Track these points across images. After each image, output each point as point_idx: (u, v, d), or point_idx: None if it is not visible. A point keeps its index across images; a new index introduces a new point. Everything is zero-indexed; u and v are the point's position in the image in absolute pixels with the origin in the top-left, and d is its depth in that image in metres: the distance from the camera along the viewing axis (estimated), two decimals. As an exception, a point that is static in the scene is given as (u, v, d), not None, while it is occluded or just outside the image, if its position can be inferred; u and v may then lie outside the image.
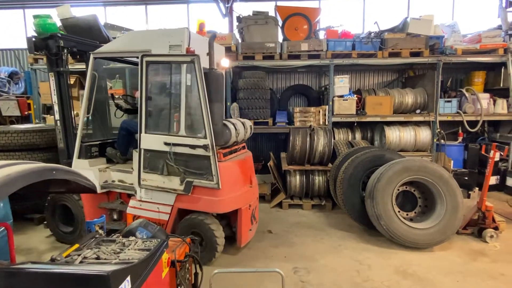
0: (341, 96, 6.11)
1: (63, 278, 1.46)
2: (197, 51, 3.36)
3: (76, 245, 2.03)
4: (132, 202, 3.77)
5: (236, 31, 6.75)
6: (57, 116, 4.31)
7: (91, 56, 3.79)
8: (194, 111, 3.57)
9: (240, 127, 4.01)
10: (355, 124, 6.56)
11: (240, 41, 6.48)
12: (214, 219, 3.59)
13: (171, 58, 3.45)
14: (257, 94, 6.13)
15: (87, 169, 3.89)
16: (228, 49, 6.07)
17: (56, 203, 4.19)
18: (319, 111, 6.17)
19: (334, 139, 5.89)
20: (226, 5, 7.43)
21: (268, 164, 5.83)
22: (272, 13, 6.56)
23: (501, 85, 6.28)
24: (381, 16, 7.74)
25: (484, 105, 6.20)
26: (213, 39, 3.46)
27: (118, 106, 4.58)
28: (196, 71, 3.28)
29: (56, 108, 4.30)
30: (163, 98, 3.79)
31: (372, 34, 6.19)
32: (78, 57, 4.47)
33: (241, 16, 6.31)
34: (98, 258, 1.83)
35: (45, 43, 4.02)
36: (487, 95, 6.33)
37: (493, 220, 4.18)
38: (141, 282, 1.77)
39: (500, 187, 6.17)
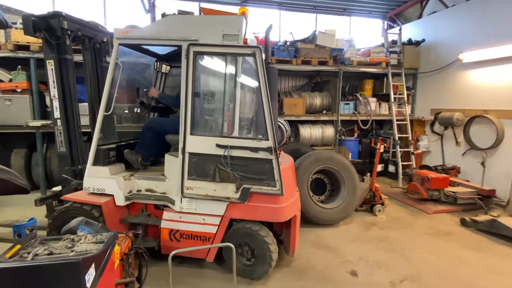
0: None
1: (33, 270, 1.48)
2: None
3: (18, 246, 1.96)
4: (167, 215, 3.26)
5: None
6: (57, 114, 3.61)
7: (116, 43, 3.24)
8: (250, 110, 3.23)
9: (287, 127, 3.84)
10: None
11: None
12: (268, 230, 3.21)
13: (227, 50, 2.99)
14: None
15: (107, 178, 3.32)
16: (153, 46, 6.01)
17: (65, 219, 3.25)
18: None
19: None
20: (150, 0, 7.24)
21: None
22: (197, 13, 6.72)
23: (384, 91, 7.85)
24: (295, 27, 8.72)
25: (373, 107, 7.69)
26: (269, 31, 3.14)
27: (142, 103, 4.04)
28: (258, 65, 2.91)
29: (56, 103, 3.58)
30: (212, 95, 3.37)
31: (288, 43, 6.98)
32: (76, 43, 3.75)
33: (166, 14, 6.28)
34: (51, 253, 1.84)
35: (45, 24, 3.33)
36: (374, 99, 7.84)
37: (380, 198, 5.35)
38: (101, 271, 1.87)
39: (384, 173, 7.75)
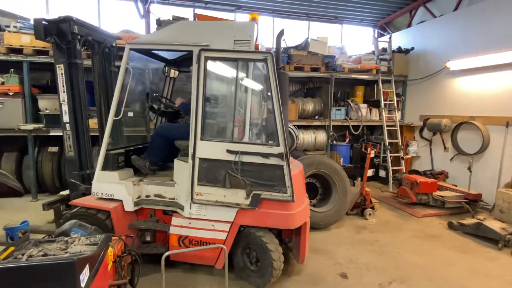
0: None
1: (27, 270, 1.51)
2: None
3: (12, 248, 1.98)
4: (176, 221, 3.21)
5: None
6: (66, 118, 3.63)
7: (127, 47, 3.24)
8: (261, 115, 3.23)
9: (297, 132, 3.83)
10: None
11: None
12: (273, 238, 3.14)
13: (239, 55, 2.97)
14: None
15: (116, 183, 3.30)
16: (147, 51, 6.07)
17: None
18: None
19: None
20: (145, 6, 7.30)
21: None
22: (191, 19, 6.80)
23: (375, 98, 8.03)
24: (288, 34, 8.86)
25: (364, 113, 7.84)
26: (281, 36, 3.13)
27: (152, 108, 4.01)
28: (269, 71, 2.89)
29: (65, 108, 3.59)
30: (223, 100, 3.34)
31: (281, 49, 7.09)
32: (87, 48, 3.78)
33: (161, 20, 6.36)
34: (45, 255, 1.87)
35: (56, 28, 3.36)
36: (365, 105, 8.00)
37: (371, 202, 5.45)
38: (95, 272, 1.90)
39: (375, 177, 7.88)
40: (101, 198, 3.34)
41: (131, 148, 3.85)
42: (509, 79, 5.63)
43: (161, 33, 3.31)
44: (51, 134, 5.72)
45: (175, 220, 3.21)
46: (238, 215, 3.07)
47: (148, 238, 3.42)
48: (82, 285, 1.63)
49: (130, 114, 5.74)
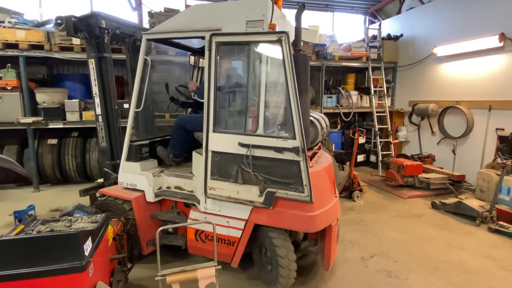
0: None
1: (38, 241, 1.75)
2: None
3: (22, 226, 2.21)
4: (193, 214, 3.14)
5: (147, 26, 6.85)
6: (98, 111, 3.72)
7: (144, 38, 3.20)
8: (277, 105, 2.94)
9: (323, 123, 3.51)
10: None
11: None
12: (286, 241, 2.83)
13: (250, 38, 2.69)
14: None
15: (138, 174, 3.35)
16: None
17: (104, 211, 3.32)
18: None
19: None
20: (137, -1, 7.39)
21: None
22: (183, 9, 6.91)
23: (366, 85, 8.21)
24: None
25: (355, 100, 8.03)
26: (301, 12, 2.81)
27: (172, 99, 3.97)
28: (284, 54, 2.56)
29: (97, 101, 3.71)
30: (235, 89, 3.14)
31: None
32: (118, 42, 3.86)
33: (152, 12, 6.47)
34: (52, 230, 2.10)
35: (85, 24, 3.45)
36: (356, 92, 8.19)
37: (358, 185, 5.71)
38: (97, 244, 2.14)
39: (366, 162, 8.13)
40: (126, 188, 3.42)
41: (158, 139, 3.84)
42: (491, 64, 5.82)
43: (174, 20, 3.09)
44: (50, 126, 5.91)
45: (192, 214, 3.14)
46: (252, 213, 2.85)
47: (170, 229, 3.39)
48: (86, 253, 1.87)
49: (126, 105, 5.91)
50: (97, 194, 3.93)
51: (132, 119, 3.32)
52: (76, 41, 5.78)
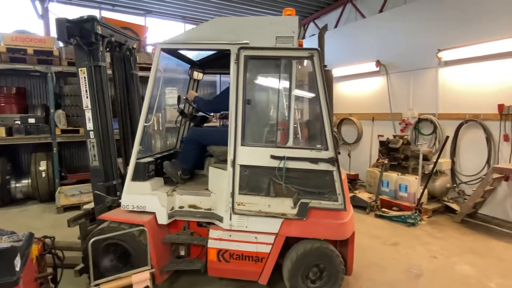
0: (171, 105, 7.15)
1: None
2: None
3: None
4: (215, 233, 2.92)
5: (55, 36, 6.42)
6: (89, 126, 3.25)
7: (158, 47, 2.95)
8: (306, 118, 3.01)
9: (338, 135, 3.51)
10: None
11: (62, 45, 6.26)
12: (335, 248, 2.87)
13: (282, 53, 2.74)
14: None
15: (148, 194, 2.98)
16: (49, 53, 5.82)
17: (100, 245, 2.88)
18: (153, 119, 6.95)
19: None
20: (43, 5, 6.81)
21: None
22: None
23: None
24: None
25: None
26: (324, 31, 2.95)
27: (182, 112, 3.71)
28: (316, 69, 2.66)
29: (88, 114, 3.24)
30: (265, 102, 3.10)
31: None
32: (108, 50, 3.44)
33: (63, 21, 6.12)
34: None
35: (79, 29, 3.02)
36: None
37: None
38: (24, 261, 2.11)
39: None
40: (131, 211, 3.05)
41: (159, 155, 3.61)
42: (371, 84, 7.32)
43: (195, 32, 3.01)
44: None
45: (213, 233, 2.94)
46: (283, 226, 2.81)
47: (182, 253, 3.15)
48: (17, 269, 1.87)
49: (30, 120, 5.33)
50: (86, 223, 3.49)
51: (140, 134, 3.02)
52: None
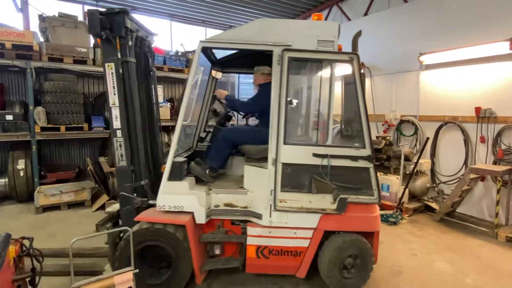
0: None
1: None
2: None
3: None
4: (254, 230, 2.99)
5: (36, 29, 6.21)
6: (117, 124, 3.07)
7: (199, 45, 2.89)
8: (344, 117, 3.14)
9: None
10: (171, 127, 7.67)
11: (43, 40, 6.07)
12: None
13: (324, 56, 2.89)
14: (68, 98, 5.97)
15: (186, 194, 2.95)
16: (28, 48, 5.62)
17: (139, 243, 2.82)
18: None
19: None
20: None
21: (88, 168, 5.89)
22: (81, 17, 6.54)
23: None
24: (185, 38, 9.28)
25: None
26: (358, 37, 3.09)
27: (214, 112, 3.64)
28: (355, 72, 2.87)
29: (115, 112, 3.05)
30: (305, 102, 3.19)
31: (180, 53, 7.50)
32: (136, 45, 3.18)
33: (44, 15, 5.94)
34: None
35: (109, 21, 2.86)
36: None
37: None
38: (1, 263, 2.04)
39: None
40: (167, 211, 3.01)
41: (185, 154, 3.58)
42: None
43: (237, 32, 3.05)
44: None
45: (251, 230, 3.02)
46: (321, 220, 2.97)
47: (217, 252, 3.15)
48: (-7, 271, 1.80)
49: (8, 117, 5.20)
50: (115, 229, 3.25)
51: (178, 132, 2.97)
52: None
